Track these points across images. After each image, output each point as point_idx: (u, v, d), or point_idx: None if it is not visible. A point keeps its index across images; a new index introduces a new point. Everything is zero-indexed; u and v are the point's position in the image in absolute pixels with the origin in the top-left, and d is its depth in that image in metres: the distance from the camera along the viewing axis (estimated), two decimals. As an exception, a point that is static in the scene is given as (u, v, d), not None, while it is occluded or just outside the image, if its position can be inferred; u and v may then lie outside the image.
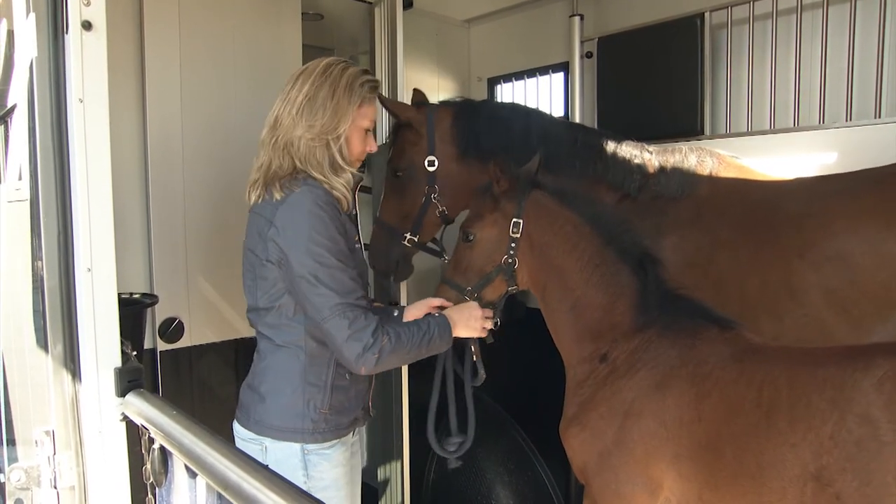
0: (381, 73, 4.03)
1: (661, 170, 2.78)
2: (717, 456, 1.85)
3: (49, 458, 1.81)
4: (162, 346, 3.09)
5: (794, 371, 1.83)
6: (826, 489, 1.66)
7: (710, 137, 3.31)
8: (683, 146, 2.86)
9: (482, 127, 2.90)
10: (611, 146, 2.84)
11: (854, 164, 2.58)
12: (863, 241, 2.30)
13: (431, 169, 2.90)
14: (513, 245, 2.33)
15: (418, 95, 3.09)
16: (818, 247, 2.37)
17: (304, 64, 2.72)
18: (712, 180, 2.74)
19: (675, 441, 1.94)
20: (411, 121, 2.95)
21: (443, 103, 3.13)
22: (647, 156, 2.81)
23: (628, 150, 2.83)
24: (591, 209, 2.36)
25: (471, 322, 2.21)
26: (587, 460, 2.16)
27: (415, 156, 2.94)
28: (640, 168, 2.79)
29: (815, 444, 1.69)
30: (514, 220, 2.32)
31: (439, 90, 4.47)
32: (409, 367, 4.08)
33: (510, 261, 2.35)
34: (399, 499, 3.85)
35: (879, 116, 2.83)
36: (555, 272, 2.30)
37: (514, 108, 3.15)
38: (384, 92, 3.95)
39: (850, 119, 2.92)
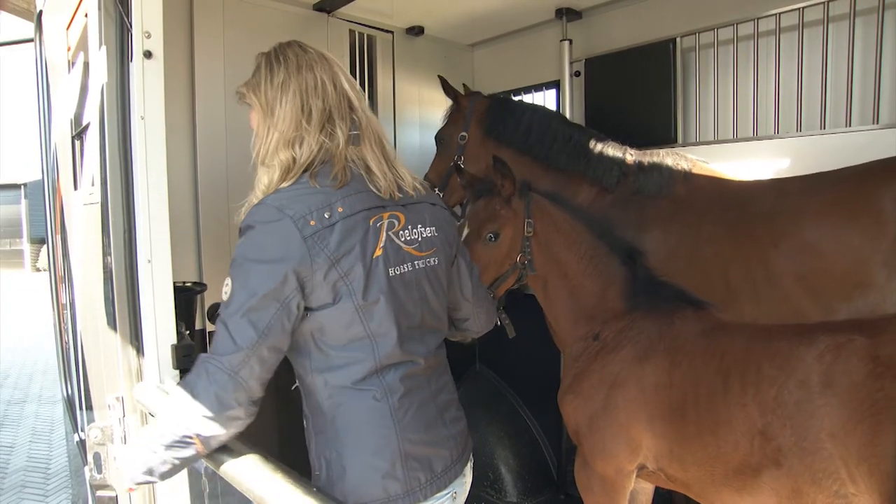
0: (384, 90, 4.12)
1: (639, 169, 2.82)
2: (684, 415, 1.90)
3: (119, 419, 1.85)
4: (210, 327, 3.15)
5: (750, 343, 1.87)
6: (770, 442, 1.70)
7: (683, 145, 3.32)
8: (661, 151, 2.91)
9: (503, 116, 3.20)
10: (598, 146, 2.92)
11: (803, 169, 2.60)
12: (828, 233, 2.32)
13: (462, 142, 3.30)
14: (527, 243, 2.27)
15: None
16: (790, 238, 2.39)
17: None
18: (687, 182, 2.77)
19: (651, 404, 1.99)
20: (459, 103, 3.40)
21: (487, 95, 3.45)
22: (627, 157, 2.86)
23: (610, 150, 2.88)
24: (578, 209, 2.37)
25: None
26: (580, 423, 2.20)
27: (454, 130, 3.36)
28: (619, 166, 2.84)
29: (761, 404, 1.73)
30: (528, 220, 2.26)
31: (447, 105, 4.51)
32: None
33: (529, 258, 2.27)
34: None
35: (825, 128, 2.86)
36: (556, 266, 2.29)
37: (529, 106, 3.34)
38: (382, 106, 4.10)
39: (801, 130, 2.94)
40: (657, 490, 2.36)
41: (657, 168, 2.81)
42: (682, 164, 2.80)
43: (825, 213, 2.35)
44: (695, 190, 2.73)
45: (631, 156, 2.88)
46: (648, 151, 2.91)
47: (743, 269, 2.47)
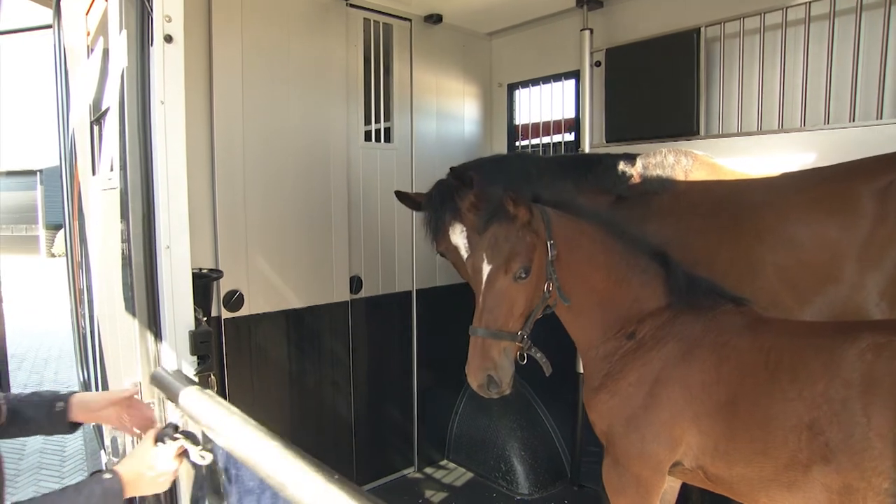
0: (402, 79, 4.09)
1: (644, 171, 2.87)
2: (733, 411, 1.88)
3: (136, 403, 1.86)
4: (225, 314, 3.18)
5: (796, 339, 1.87)
6: (818, 437, 1.70)
7: (705, 138, 3.28)
8: (664, 149, 2.91)
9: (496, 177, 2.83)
10: (601, 161, 2.95)
11: (829, 163, 2.55)
12: (809, 227, 2.37)
13: None
14: (552, 268, 2.10)
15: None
16: (774, 231, 2.44)
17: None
18: (688, 176, 2.81)
19: (697, 402, 1.95)
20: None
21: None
22: (631, 162, 2.90)
23: (614, 162, 2.92)
24: (593, 214, 2.28)
25: (157, 482, 1.53)
26: (614, 423, 2.12)
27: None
28: (626, 173, 2.88)
29: (808, 399, 1.73)
30: (550, 241, 2.09)
31: (465, 94, 4.48)
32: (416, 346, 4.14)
33: (557, 285, 2.11)
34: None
35: (853, 120, 2.80)
36: (579, 280, 2.18)
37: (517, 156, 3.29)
38: (399, 95, 4.04)
39: (828, 122, 2.89)
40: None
41: (660, 166, 2.85)
42: (683, 160, 2.83)
43: (807, 208, 2.40)
44: (693, 184, 2.78)
45: (632, 160, 2.91)
46: (651, 151, 2.91)
47: (728, 258, 2.52)
